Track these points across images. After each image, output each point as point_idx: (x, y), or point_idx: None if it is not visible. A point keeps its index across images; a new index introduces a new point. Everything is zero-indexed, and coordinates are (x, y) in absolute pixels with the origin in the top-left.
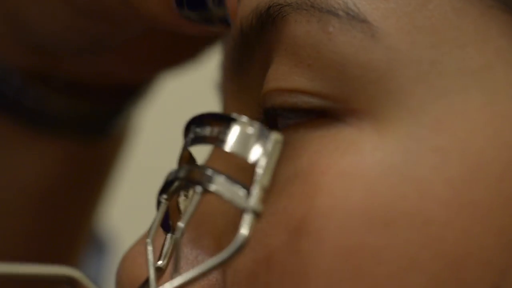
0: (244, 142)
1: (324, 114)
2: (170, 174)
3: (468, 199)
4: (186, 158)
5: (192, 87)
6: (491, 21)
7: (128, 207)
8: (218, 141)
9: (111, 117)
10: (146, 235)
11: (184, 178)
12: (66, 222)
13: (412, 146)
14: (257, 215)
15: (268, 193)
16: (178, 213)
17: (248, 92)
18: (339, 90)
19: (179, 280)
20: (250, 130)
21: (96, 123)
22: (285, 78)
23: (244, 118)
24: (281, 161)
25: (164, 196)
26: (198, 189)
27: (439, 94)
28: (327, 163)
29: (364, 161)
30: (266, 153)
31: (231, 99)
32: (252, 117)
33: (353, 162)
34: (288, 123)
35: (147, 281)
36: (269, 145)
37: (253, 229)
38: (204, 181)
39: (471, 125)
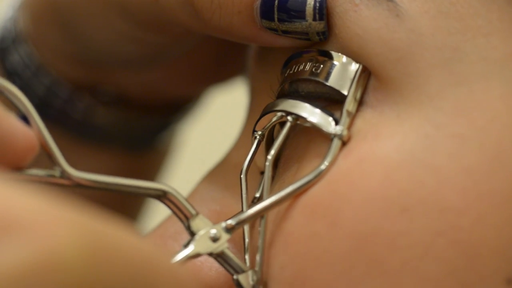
0: (340, 76)
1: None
2: (266, 107)
3: (486, 188)
4: (284, 92)
5: (236, 103)
6: None
7: None
8: (316, 75)
9: (157, 131)
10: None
11: (278, 110)
12: None
13: (431, 132)
14: (343, 141)
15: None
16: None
17: (273, 69)
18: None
19: (258, 206)
20: (343, 64)
21: (142, 137)
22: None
23: (337, 53)
24: (300, 144)
25: (259, 132)
26: (290, 117)
27: (459, 81)
28: (347, 148)
29: (383, 147)
30: (353, 82)
31: (256, 78)
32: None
33: (372, 147)
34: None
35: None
36: (356, 75)
37: (336, 156)
38: (296, 110)
39: (491, 114)
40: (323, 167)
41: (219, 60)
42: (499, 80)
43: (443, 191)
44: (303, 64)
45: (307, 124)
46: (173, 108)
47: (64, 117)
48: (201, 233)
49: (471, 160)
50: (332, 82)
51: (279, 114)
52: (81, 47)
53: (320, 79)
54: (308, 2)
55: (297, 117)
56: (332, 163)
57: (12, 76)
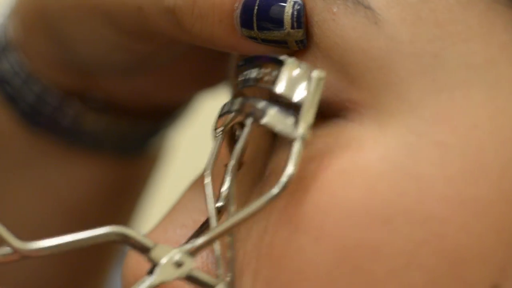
0: (292, 83)
1: (327, 109)
2: (224, 106)
3: (469, 196)
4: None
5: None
6: (496, 16)
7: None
8: (267, 83)
9: (147, 137)
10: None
11: (236, 110)
12: None
13: (413, 140)
14: (305, 142)
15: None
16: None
17: None
18: (341, 77)
19: (215, 230)
20: (297, 71)
21: (133, 143)
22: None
23: (292, 59)
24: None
25: (220, 128)
26: (249, 121)
27: (440, 88)
28: (328, 160)
29: (364, 157)
30: (309, 91)
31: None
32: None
33: (354, 158)
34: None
35: (207, 221)
36: (313, 83)
37: (300, 160)
38: (255, 113)
39: (473, 121)
40: (289, 171)
41: (209, 66)
42: (480, 86)
43: (426, 200)
44: (255, 70)
45: (261, 122)
46: (163, 114)
47: (54, 124)
48: (163, 260)
49: (453, 168)
50: (282, 89)
51: (234, 114)
52: (70, 54)
53: (269, 86)
54: (286, 11)
55: (254, 119)
56: (297, 169)
57: (2, 84)
